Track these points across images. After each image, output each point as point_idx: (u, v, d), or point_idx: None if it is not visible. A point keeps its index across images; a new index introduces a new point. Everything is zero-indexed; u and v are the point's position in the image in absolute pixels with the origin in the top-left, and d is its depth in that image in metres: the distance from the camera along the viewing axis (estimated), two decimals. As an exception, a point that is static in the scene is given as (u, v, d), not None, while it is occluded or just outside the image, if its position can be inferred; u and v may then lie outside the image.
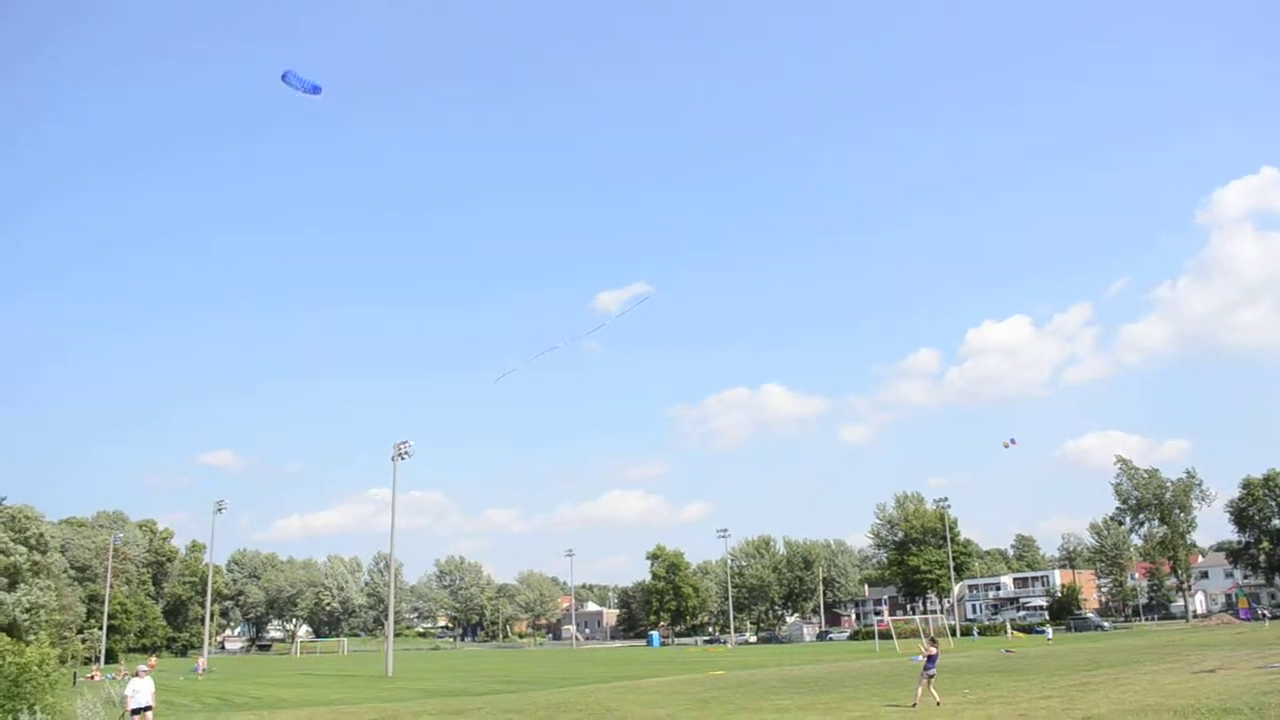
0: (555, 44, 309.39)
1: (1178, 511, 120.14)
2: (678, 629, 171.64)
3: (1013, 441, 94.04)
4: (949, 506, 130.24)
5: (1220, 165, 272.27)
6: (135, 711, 24.29)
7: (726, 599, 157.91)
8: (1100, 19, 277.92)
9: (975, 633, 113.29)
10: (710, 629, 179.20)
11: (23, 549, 60.16)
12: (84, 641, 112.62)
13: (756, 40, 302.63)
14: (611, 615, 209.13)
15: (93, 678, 75.93)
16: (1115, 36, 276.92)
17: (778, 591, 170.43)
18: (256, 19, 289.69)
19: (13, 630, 44.20)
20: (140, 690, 24.64)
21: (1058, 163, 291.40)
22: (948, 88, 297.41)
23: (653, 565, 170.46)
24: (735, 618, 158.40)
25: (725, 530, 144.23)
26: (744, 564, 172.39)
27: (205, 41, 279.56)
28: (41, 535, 65.59)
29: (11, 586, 57.23)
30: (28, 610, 57.05)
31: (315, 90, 28.44)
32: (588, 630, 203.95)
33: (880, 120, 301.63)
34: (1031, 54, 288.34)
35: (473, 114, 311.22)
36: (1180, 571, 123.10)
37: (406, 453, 78.06)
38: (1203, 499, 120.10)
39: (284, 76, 28.11)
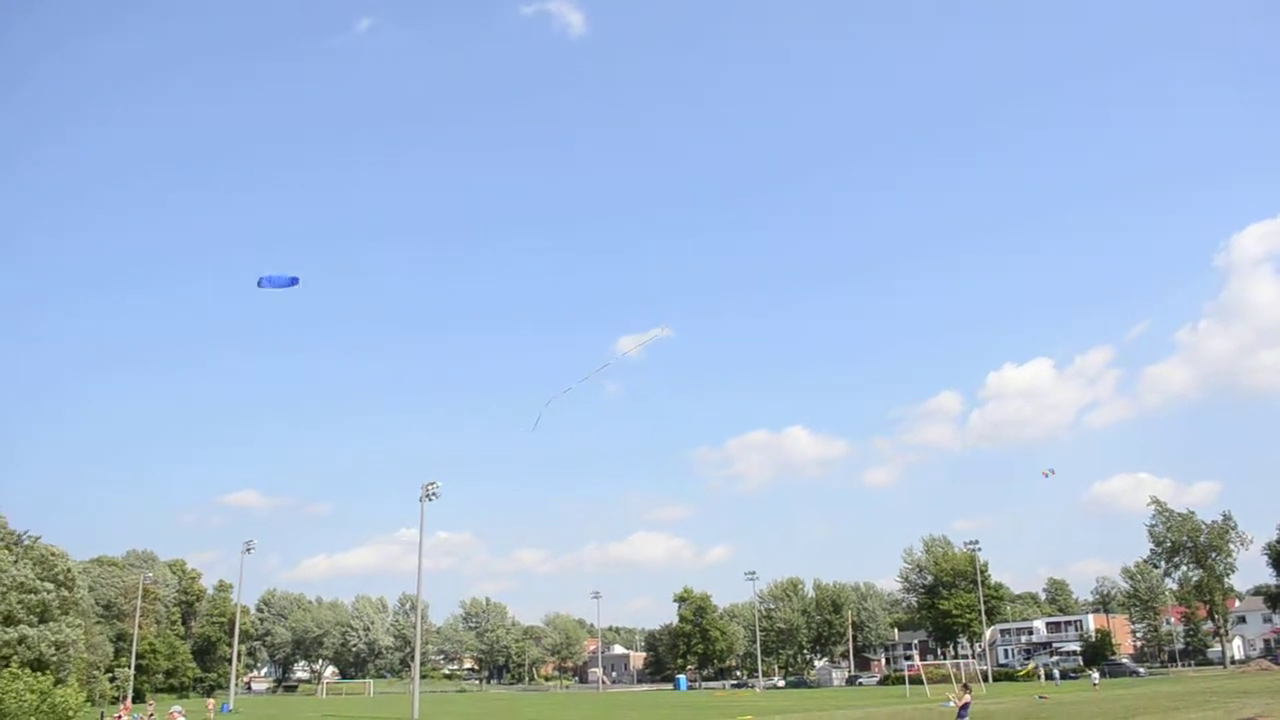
0: (581, 85, 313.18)
1: (1214, 555, 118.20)
2: (705, 672, 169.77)
3: (1052, 471, 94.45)
4: (979, 549, 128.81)
5: (1238, 209, 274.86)
6: None
7: (754, 642, 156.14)
8: (1119, 63, 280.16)
9: (1057, 676, 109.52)
10: (738, 672, 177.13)
11: (50, 586, 60.73)
12: (112, 680, 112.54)
13: (776, 84, 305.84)
14: (638, 658, 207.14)
15: (119, 718, 76.09)
16: (1134, 81, 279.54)
17: (806, 635, 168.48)
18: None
19: (41, 665, 44.44)
20: None
21: (1074, 207, 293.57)
22: (971, 131, 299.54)
23: (680, 608, 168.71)
24: (763, 661, 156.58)
25: (753, 573, 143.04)
26: (772, 607, 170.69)
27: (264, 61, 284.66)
28: (69, 571, 66.16)
29: (40, 623, 57.66)
30: (57, 647, 57.32)
31: (293, 282, 29.83)
32: (614, 673, 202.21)
33: (901, 163, 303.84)
34: (1052, 99, 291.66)
35: (501, 152, 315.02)
36: (1217, 616, 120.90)
37: (434, 494, 78.22)
38: (1239, 542, 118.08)
39: (259, 282, 29.78)
